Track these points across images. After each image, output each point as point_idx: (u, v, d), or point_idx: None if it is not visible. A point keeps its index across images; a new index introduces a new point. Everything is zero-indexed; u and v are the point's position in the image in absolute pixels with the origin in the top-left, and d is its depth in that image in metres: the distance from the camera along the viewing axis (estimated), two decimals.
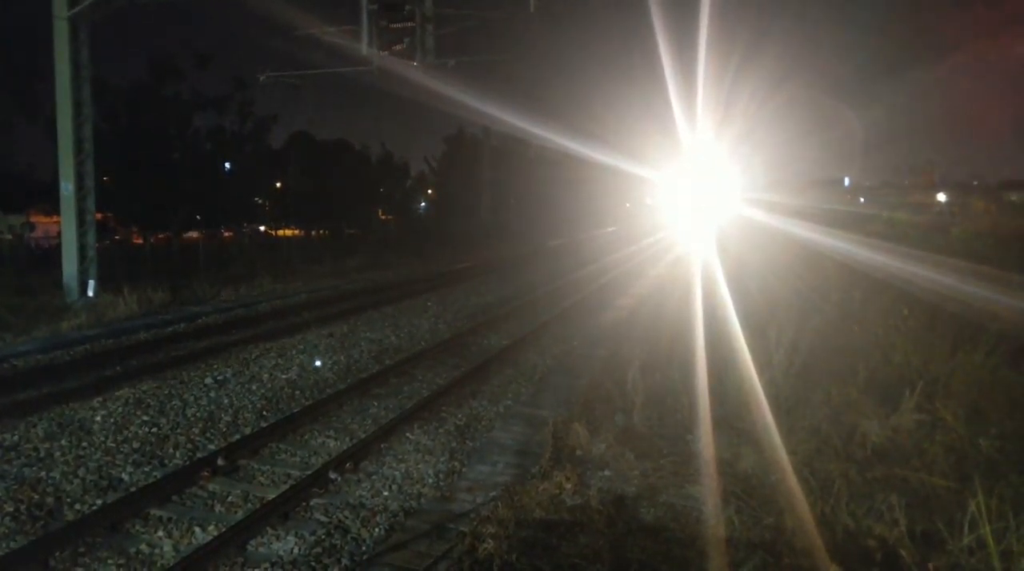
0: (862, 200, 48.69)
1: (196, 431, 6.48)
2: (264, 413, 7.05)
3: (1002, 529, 3.27)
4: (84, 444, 6.05)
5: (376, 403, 7.42)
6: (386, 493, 5.18)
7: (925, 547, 3.43)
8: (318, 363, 9.10)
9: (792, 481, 4.20)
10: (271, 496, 4.94)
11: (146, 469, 5.59)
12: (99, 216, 15.35)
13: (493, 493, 4.60)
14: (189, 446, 6.13)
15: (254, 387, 7.93)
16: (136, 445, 6.08)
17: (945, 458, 4.38)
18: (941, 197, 51.30)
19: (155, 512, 4.80)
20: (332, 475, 5.36)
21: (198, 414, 6.96)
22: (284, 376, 8.44)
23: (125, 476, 5.44)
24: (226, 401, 7.38)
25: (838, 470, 4.23)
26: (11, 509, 4.80)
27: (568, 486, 4.46)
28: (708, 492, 4.26)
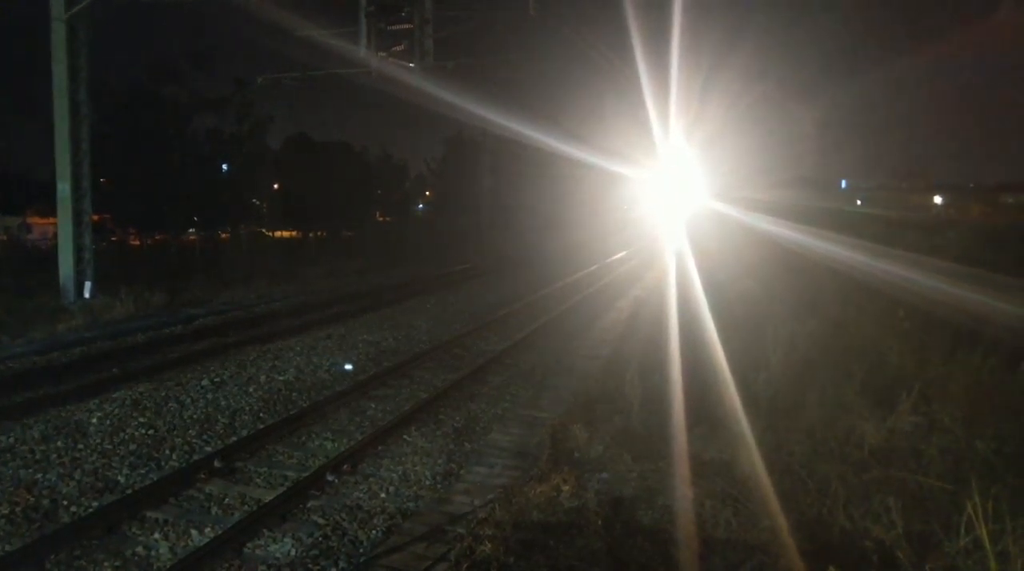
0: (859, 202, 48.84)
1: (193, 433, 6.47)
2: (261, 415, 7.04)
3: (999, 531, 3.27)
4: (80, 446, 6.04)
5: (374, 405, 7.41)
6: (383, 495, 5.18)
7: (922, 549, 3.44)
8: (322, 364, 9.09)
9: (789, 483, 4.21)
10: (268, 498, 4.93)
11: (143, 471, 5.57)
12: (96, 217, 15.33)
13: (491, 495, 4.59)
14: (186, 448, 6.12)
15: (251, 389, 7.91)
16: (133, 447, 6.07)
17: (941, 460, 4.39)
18: (937, 199, 51.48)
19: (151, 514, 4.79)
20: (330, 477, 5.36)
21: (195, 416, 6.94)
22: (281, 378, 8.43)
23: (121, 478, 5.42)
24: (223, 403, 7.37)
25: (835, 472, 4.24)
26: (7, 511, 4.79)
27: (566, 488, 4.46)
28: (705, 494, 4.27)
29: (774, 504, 3.97)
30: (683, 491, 4.39)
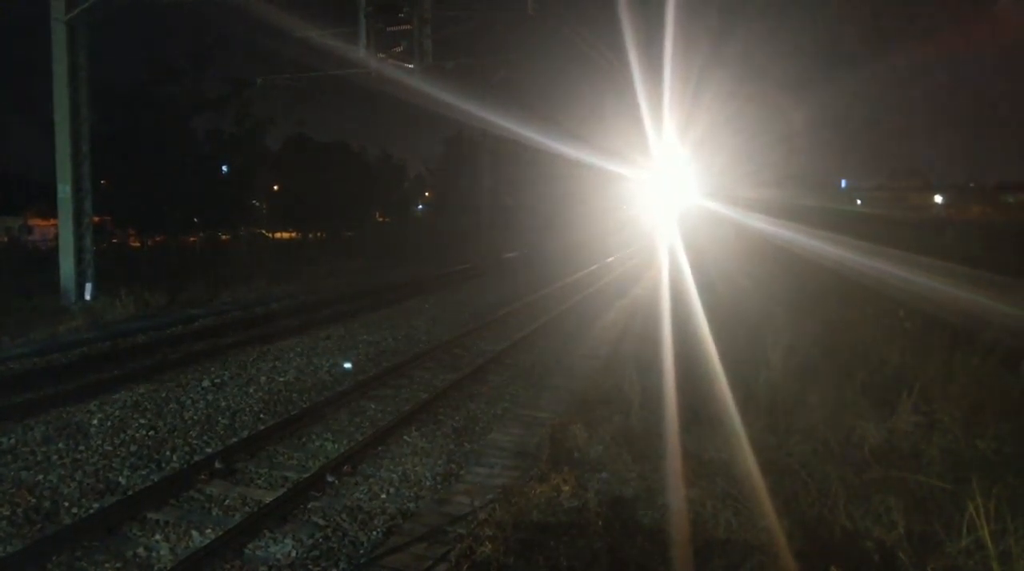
0: (859, 202, 48.86)
1: (193, 434, 6.47)
2: (262, 416, 7.04)
3: (1000, 531, 3.27)
4: (81, 447, 6.04)
5: (374, 405, 7.41)
6: (384, 496, 5.18)
7: (923, 549, 3.43)
8: (322, 365, 9.08)
9: (789, 483, 4.21)
10: (269, 499, 4.93)
11: (143, 472, 5.58)
12: (97, 219, 15.34)
13: (491, 496, 4.59)
14: (186, 449, 6.12)
15: (251, 390, 7.92)
16: (133, 448, 6.07)
17: (942, 460, 4.39)
18: (938, 199, 51.50)
19: (152, 515, 4.79)
20: (330, 478, 5.36)
21: (195, 417, 6.94)
22: (282, 379, 8.43)
23: (122, 479, 5.43)
24: (223, 404, 7.37)
25: (835, 472, 4.23)
26: (8, 512, 4.79)
27: (566, 488, 4.46)
28: (705, 494, 4.26)
29: (774, 504, 3.97)
30: (683, 491, 4.39)
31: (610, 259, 25.34)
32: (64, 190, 13.03)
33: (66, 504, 4.97)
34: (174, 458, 5.90)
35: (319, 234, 32.19)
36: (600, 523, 3.94)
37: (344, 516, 4.82)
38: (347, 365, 9.00)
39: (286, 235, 32.97)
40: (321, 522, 4.75)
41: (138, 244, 24.69)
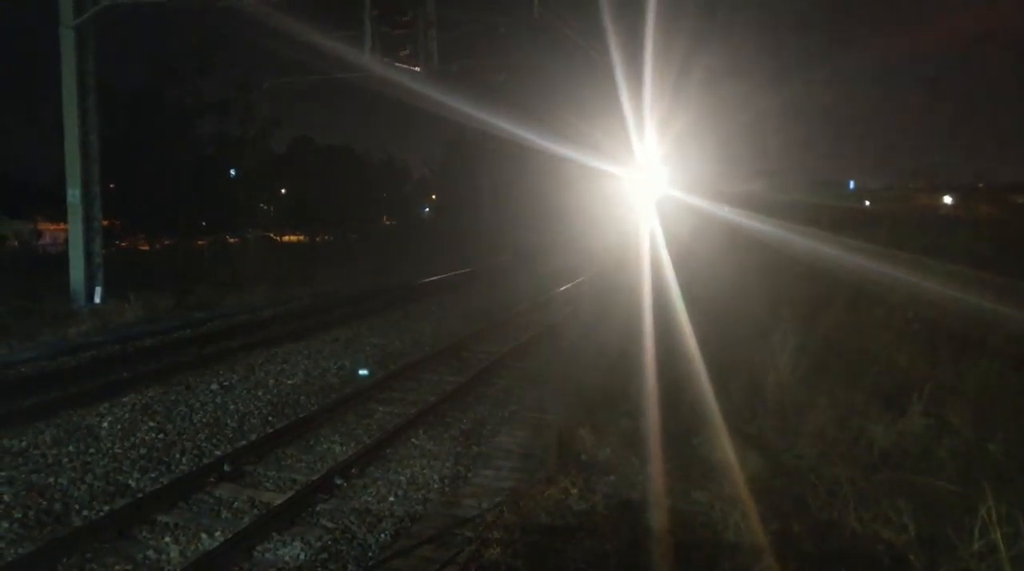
0: (867, 203, 48.60)
1: (202, 437, 6.51)
2: (270, 419, 7.07)
3: (1012, 534, 3.25)
4: (91, 450, 6.08)
5: (381, 408, 7.43)
6: (392, 498, 5.19)
7: (934, 552, 3.41)
8: (329, 367, 9.11)
9: (799, 485, 4.19)
10: (277, 502, 4.95)
11: (153, 475, 5.61)
12: (105, 222, 15.43)
13: (499, 498, 4.60)
14: (195, 452, 6.15)
15: (260, 393, 7.95)
16: (143, 451, 6.10)
17: (953, 462, 4.36)
18: (947, 199, 51.19)
19: (162, 518, 4.81)
20: (338, 481, 5.37)
21: (204, 420, 6.98)
22: (290, 381, 8.46)
23: (132, 482, 5.46)
24: (232, 407, 7.40)
25: (845, 474, 4.21)
26: (19, 515, 4.82)
27: (574, 491, 4.46)
28: (714, 496, 4.25)
29: (784, 507, 3.96)
30: (692, 494, 4.39)
31: (613, 259, 25.26)
32: (73, 194, 13.13)
33: (76, 507, 5.00)
34: (183, 461, 5.93)
35: (325, 237, 32.30)
36: (608, 526, 3.94)
37: (352, 518, 4.83)
38: (363, 372, 8.91)
39: (293, 238, 33.10)
40: (329, 525, 4.76)
41: (147, 247, 24.82)
